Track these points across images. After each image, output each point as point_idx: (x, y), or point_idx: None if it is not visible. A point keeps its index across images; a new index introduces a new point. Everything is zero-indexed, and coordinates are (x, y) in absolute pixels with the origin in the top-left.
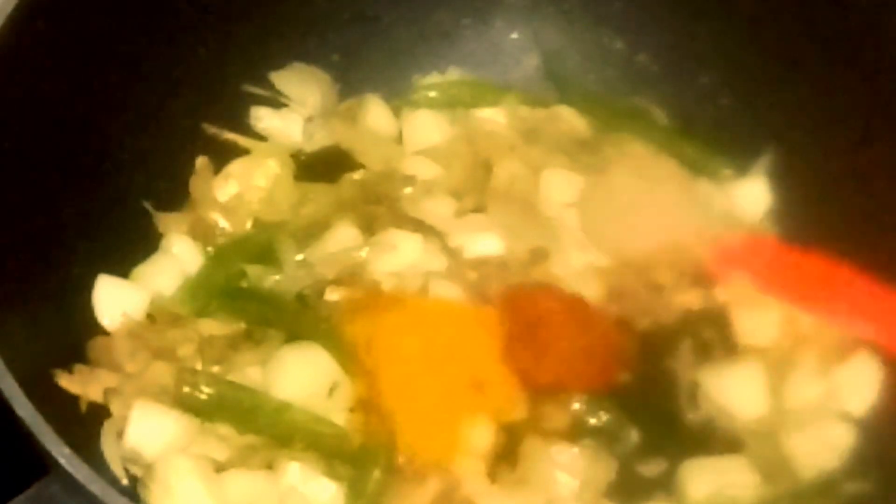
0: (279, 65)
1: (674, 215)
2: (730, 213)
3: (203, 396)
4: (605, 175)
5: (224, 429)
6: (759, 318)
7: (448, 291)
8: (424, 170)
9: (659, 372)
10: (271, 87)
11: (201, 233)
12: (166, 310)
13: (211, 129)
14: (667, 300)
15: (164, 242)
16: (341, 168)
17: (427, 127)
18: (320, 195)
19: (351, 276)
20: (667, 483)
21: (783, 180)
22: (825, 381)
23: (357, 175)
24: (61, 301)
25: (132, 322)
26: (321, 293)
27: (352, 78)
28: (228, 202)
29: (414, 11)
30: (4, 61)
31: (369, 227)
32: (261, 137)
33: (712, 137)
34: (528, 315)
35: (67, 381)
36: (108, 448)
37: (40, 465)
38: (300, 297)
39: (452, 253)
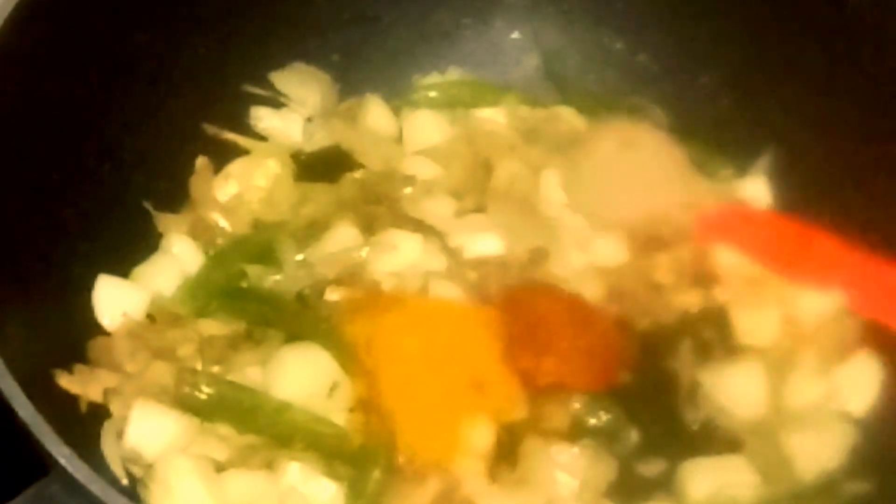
0: (279, 65)
1: (659, 184)
2: None
3: (203, 396)
4: (590, 146)
5: (224, 429)
6: (759, 318)
7: (448, 291)
8: (424, 170)
9: (659, 372)
10: (271, 87)
11: (201, 233)
12: (166, 310)
13: (211, 129)
14: (667, 300)
15: (164, 242)
16: (341, 168)
17: (427, 127)
18: (320, 195)
19: (351, 276)
20: (667, 483)
21: (783, 180)
22: (825, 381)
23: (357, 175)
24: (61, 301)
25: (132, 322)
26: (321, 293)
27: (352, 78)
28: (228, 202)
29: (414, 11)
30: (4, 61)
31: (369, 227)
32: (261, 137)
33: (712, 137)
34: (528, 315)
35: (67, 381)
36: (108, 448)
37: (40, 465)
38: (300, 297)
39: (452, 253)
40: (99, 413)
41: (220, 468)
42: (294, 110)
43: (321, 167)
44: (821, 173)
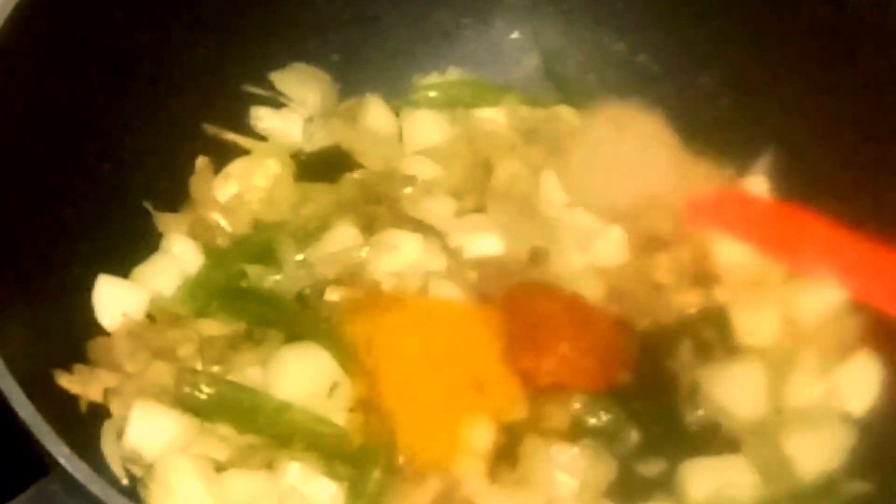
0: (279, 65)
1: (651, 167)
2: None
3: (203, 396)
4: (583, 131)
5: (224, 429)
6: (759, 318)
7: (448, 291)
8: (424, 170)
9: (659, 372)
10: (271, 87)
11: (201, 233)
12: (166, 310)
13: (211, 129)
14: (667, 300)
15: (164, 242)
16: (341, 168)
17: (427, 127)
18: (320, 195)
19: (351, 276)
20: (667, 483)
21: (783, 180)
22: (825, 381)
23: (357, 175)
24: (61, 301)
25: (132, 322)
26: (321, 293)
27: (352, 78)
28: (228, 202)
29: (414, 11)
30: (4, 61)
31: (369, 227)
32: (261, 137)
33: (712, 137)
34: (528, 315)
35: (67, 381)
36: (108, 448)
37: (40, 465)
38: (300, 297)
39: (452, 253)
40: (99, 413)
41: (220, 468)
42: (294, 110)
43: (321, 167)
44: (821, 173)
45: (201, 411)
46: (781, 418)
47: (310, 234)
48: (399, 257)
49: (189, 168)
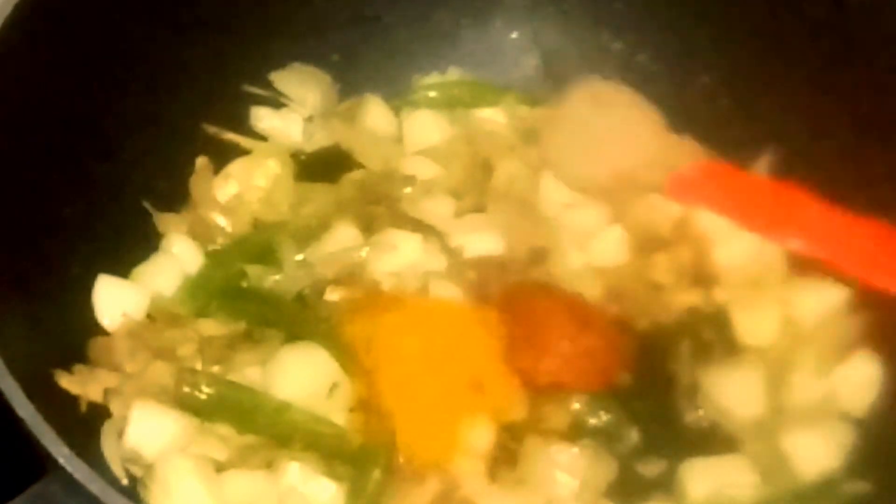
0: (279, 65)
1: (632, 143)
2: None
3: (203, 396)
4: (563, 107)
5: (224, 429)
6: (759, 318)
7: (448, 291)
8: (424, 170)
9: (659, 372)
10: (271, 87)
11: (201, 233)
12: (166, 310)
13: (211, 129)
14: (667, 300)
15: (164, 242)
16: (341, 168)
17: (427, 127)
18: (320, 195)
19: (351, 276)
20: (667, 483)
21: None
22: (825, 381)
23: (357, 175)
24: (61, 301)
25: (132, 322)
26: (321, 293)
27: (352, 78)
28: (228, 202)
29: (414, 11)
30: (4, 61)
31: (369, 227)
32: (261, 137)
33: (712, 137)
34: (528, 315)
35: (67, 381)
36: (108, 448)
37: (40, 465)
38: (300, 297)
39: (452, 253)
40: (99, 413)
41: (220, 468)
42: (294, 110)
43: (321, 167)
44: (821, 172)
45: (201, 411)
46: (781, 418)
47: (310, 234)
48: (399, 257)
49: (189, 168)
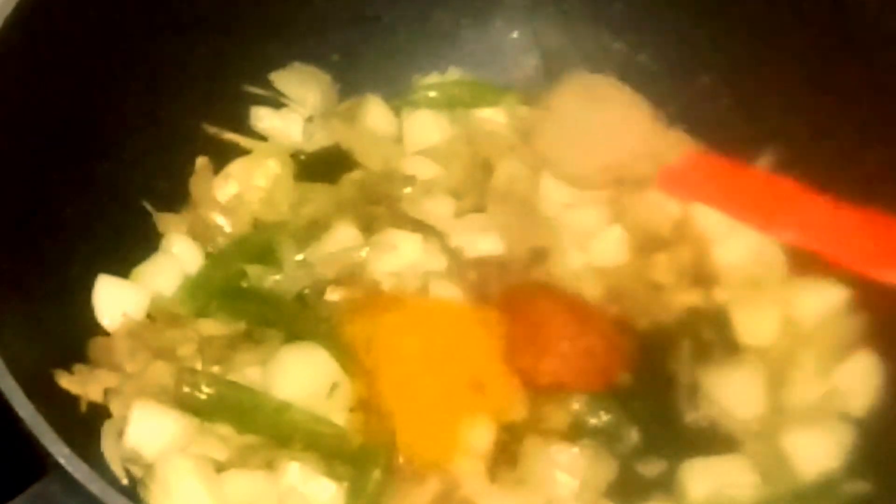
0: (279, 65)
1: (623, 136)
2: None
3: (203, 396)
4: (554, 101)
5: (224, 429)
6: (759, 318)
7: (448, 291)
8: (424, 170)
9: (659, 372)
10: (271, 87)
11: (201, 233)
12: (166, 310)
13: (211, 129)
14: (667, 300)
15: (164, 242)
16: (341, 168)
17: (427, 127)
18: (320, 195)
19: (351, 276)
20: (667, 483)
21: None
22: (825, 381)
23: (357, 175)
24: (61, 301)
25: (132, 322)
26: (321, 293)
27: (352, 78)
28: (228, 202)
29: (414, 11)
30: (4, 61)
31: (369, 227)
32: (261, 137)
33: (712, 137)
34: (528, 315)
35: (67, 381)
36: (108, 448)
37: (40, 465)
38: (300, 297)
39: (452, 253)
40: (99, 413)
41: (220, 468)
42: (294, 110)
43: (321, 167)
44: (821, 171)
45: (201, 411)
46: (781, 418)
47: (310, 234)
48: (399, 257)
49: (189, 168)
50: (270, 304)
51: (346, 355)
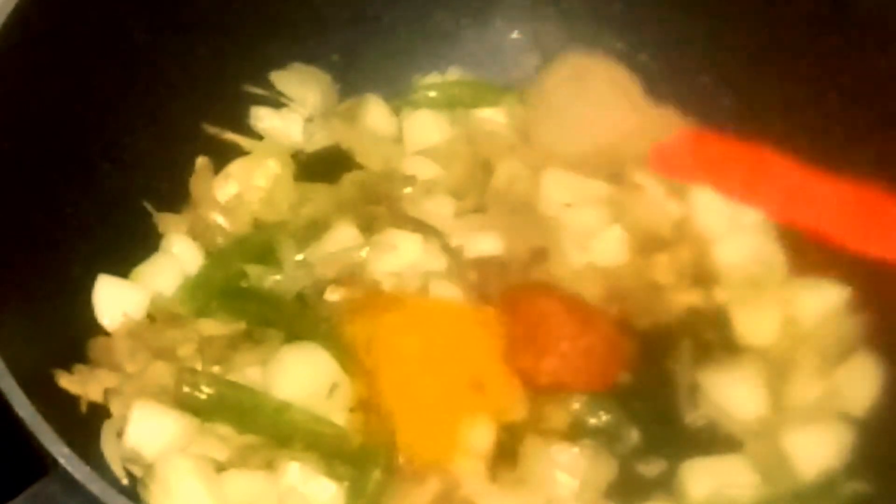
0: (279, 65)
1: (614, 115)
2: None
3: (203, 396)
4: (544, 83)
5: (224, 429)
6: (759, 318)
7: (448, 291)
8: (424, 170)
9: (659, 372)
10: (271, 87)
11: (201, 233)
12: (166, 310)
13: (211, 129)
14: (667, 300)
15: (164, 242)
16: (341, 168)
17: (427, 127)
18: (320, 195)
19: (351, 276)
20: (667, 483)
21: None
22: (825, 381)
23: (357, 175)
24: (61, 301)
25: (132, 322)
26: (321, 293)
27: (352, 78)
28: (228, 202)
29: (414, 11)
30: (4, 61)
31: (369, 227)
32: (261, 137)
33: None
34: (528, 315)
35: (67, 381)
36: (108, 448)
37: (40, 465)
38: (300, 297)
39: (452, 253)
40: (99, 413)
41: (220, 468)
42: (294, 110)
43: (321, 167)
44: (817, 154)
45: (201, 411)
46: (781, 418)
47: (310, 234)
48: (399, 257)
49: (189, 168)
50: (270, 304)
51: (346, 355)
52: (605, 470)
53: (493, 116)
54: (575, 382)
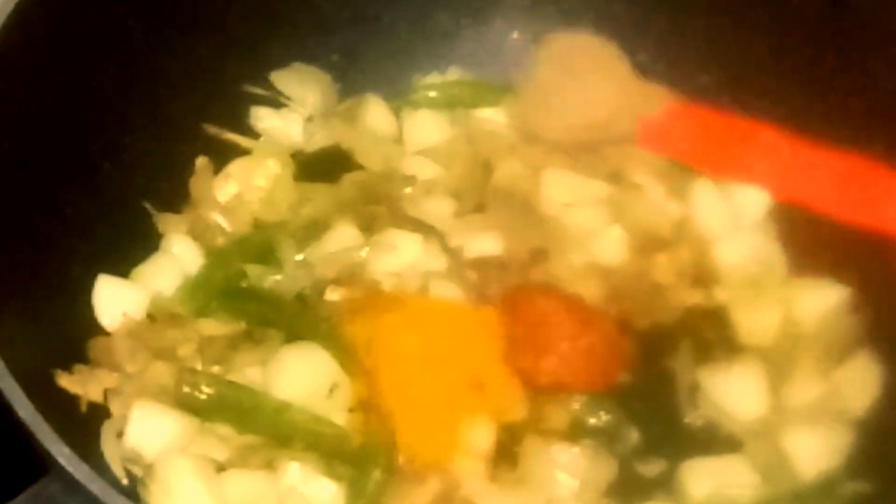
0: (279, 65)
1: (602, 92)
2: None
3: (203, 396)
4: (534, 64)
5: (224, 429)
6: (759, 318)
7: (448, 291)
8: (424, 170)
9: (659, 372)
10: (271, 87)
11: (201, 233)
12: (166, 310)
13: (211, 129)
14: (667, 300)
15: (164, 242)
16: (341, 168)
17: (427, 127)
18: (320, 195)
19: (351, 276)
20: (667, 483)
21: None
22: (825, 381)
23: (357, 175)
24: (61, 301)
25: (132, 322)
26: (321, 293)
27: (352, 78)
28: (228, 202)
29: (414, 11)
30: (4, 61)
31: (369, 227)
32: (261, 137)
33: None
34: (528, 315)
35: (67, 381)
36: (108, 448)
37: (40, 465)
38: (300, 297)
39: (452, 253)
40: (99, 413)
41: (220, 468)
42: (294, 110)
43: (321, 167)
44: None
45: (201, 411)
46: (781, 418)
47: (310, 234)
48: (399, 257)
49: (189, 168)
50: (270, 304)
51: (346, 355)
52: (605, 470)
53: (493, 116)
54: (575, 382)
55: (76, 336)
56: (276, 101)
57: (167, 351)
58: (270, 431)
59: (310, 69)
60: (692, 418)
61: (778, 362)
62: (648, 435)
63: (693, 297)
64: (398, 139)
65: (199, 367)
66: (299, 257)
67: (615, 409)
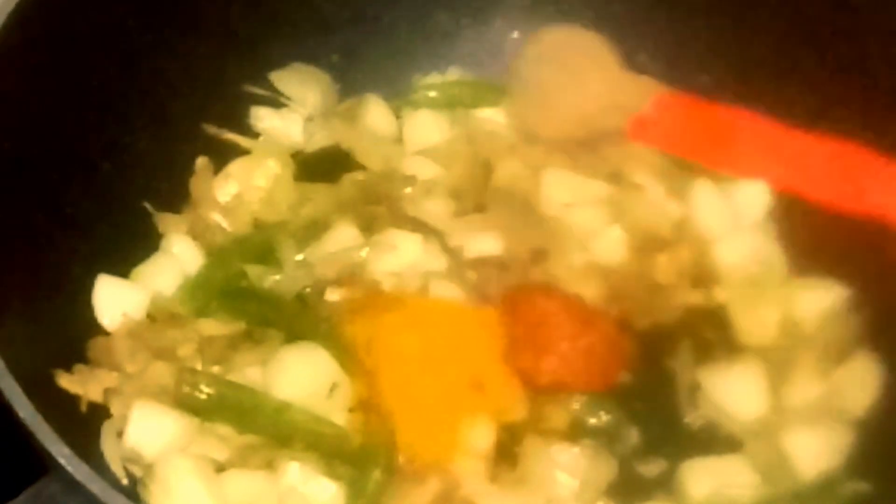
0: (279, 65)
1: (591, 86)
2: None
3: (203, 396)
4: (523, 59)
5: (224, 429)
6: (759, 318)
7: (448, 291)
8: (424, 170)
9: (659, 372)
10: (271, 87)
11: (201, 233)
12: (166, 310)
13: (211, 129)
14: (667, 300)
15: (164, 242)
16: (341, 168)
17: (427, 127)
18: (320, 195)
19: (351, 276)
20: (667, 483)
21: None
22: (825, 381)
23: (357, 175)
24: (61, 301)
25: (132, 322)
26: (321, 293)
27: (352, 78)
28: (228, 202)
29: (414, 11)
30: (4, 61)
31: (369, 227)
32: (261, 137)
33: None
34: (528, 315)
35: (67, 381)
36: (108, 448)
37: (40, 465)
38: (300, 297)
39: (452, 253)
40: (99, 413)
41: (220, 468)
42: (294, 110)
43: (321, 167)
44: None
45: (201, 411)
46: (781, 418)
47: (310, 234)
48: (399, 257)
49: (189, 168)
50: (270, 304)
51: (346, 355)
52: (605, 470)
53: (493, 116)
54: (575, 382)
55: (76, 336)
56: (276, 101)
57: (167, 351)
58: (270, 431)
59: (310, 69)
60: (692, 418)
61: (778, 362)
62: (648, 435)
63: (693, 297)
64: (398, 139)
65: (199, 367)
66: (299, 257)
67: (615, 409)
